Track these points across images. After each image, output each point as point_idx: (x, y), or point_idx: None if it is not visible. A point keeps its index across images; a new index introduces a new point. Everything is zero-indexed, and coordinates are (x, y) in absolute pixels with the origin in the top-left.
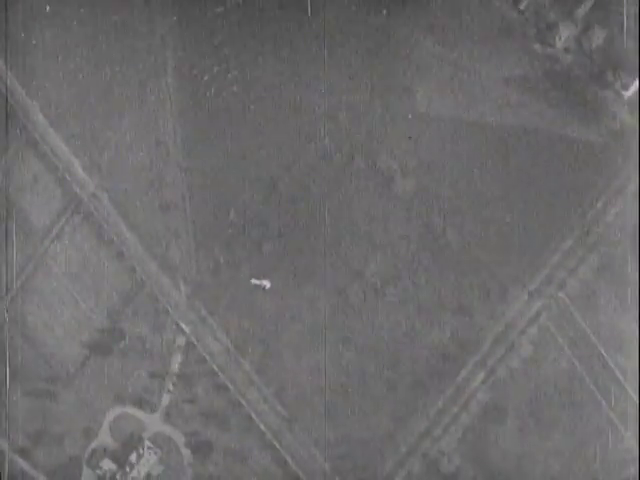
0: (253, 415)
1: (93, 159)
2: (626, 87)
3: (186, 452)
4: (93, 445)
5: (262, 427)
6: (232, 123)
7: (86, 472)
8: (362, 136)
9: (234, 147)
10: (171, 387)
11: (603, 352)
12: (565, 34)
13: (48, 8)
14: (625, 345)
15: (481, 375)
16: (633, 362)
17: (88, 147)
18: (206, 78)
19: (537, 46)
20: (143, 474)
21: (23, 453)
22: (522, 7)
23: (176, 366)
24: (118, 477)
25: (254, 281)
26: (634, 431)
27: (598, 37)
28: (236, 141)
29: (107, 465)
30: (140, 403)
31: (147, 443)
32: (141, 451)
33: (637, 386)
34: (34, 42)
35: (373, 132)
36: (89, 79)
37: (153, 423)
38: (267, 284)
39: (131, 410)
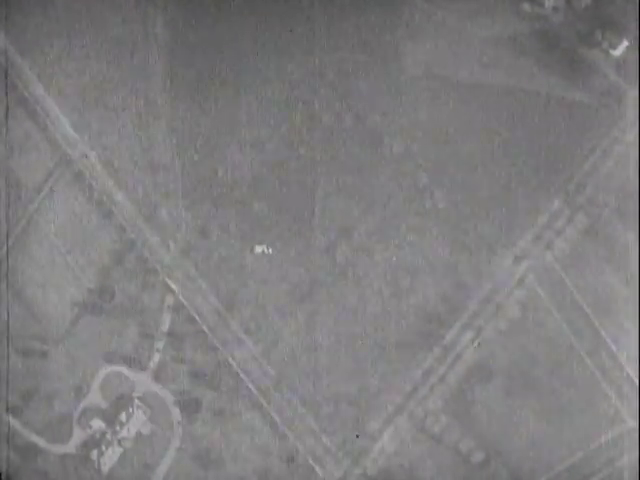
0: (241, 374)
1: (83, 118)
2: (614, 46)
3: (175, 411)
4: (83, 404)
5: (250, 386)
6: (221, 84)
7: (76, 431)
8: (351, 95)
9: (223, 108)
10: (160, 346)
11: (590, 313)
12: None
13: None
14: (612, 306)
15: (468, 336)
16: (619, 322)
17: (78, 106)
18: (197, 39)
19: (526, 5)
20: (133, 433)
21: (14, 411)
22: None
23: (165, 326)
24: (108, 436)
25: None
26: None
27: None
28: (225, 102)
29: (97, 424)
30: (130, 362)
31: (137, 402)
32: (131, 410)
33: (625, 346)
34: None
35: (362, 91)
36: (79, 37)
37: (143, 382)
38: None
39: (121, 369)
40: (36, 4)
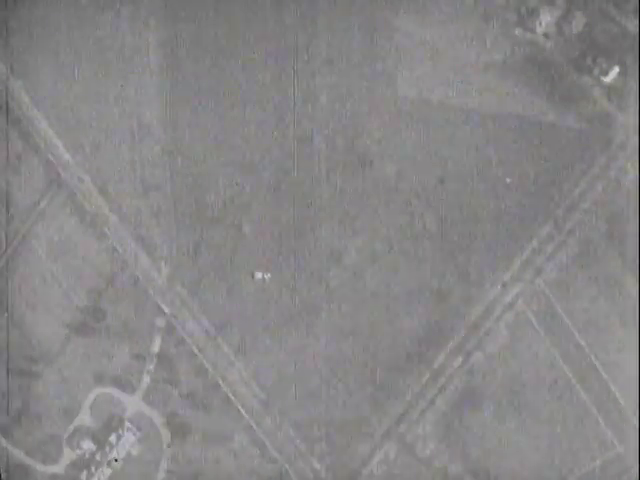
0: (231, 397)
1: (76, 140)
2: (605, 73)
3: (165, 433)
4: (73, 425)
5: (240, 409)
6: (214, 106)
7: (66, 451)
8: (343, 119)
9: (216, 130)
10: (151, 368)
11: (579, 338)
12: (546, 19)
13: None
14: (602, 332)
15: (458, 360)
16: (609, 348)
17: (71, 128)
18: (189, 63)
19: (518, 31)
20: (122, 454)
21: (4, 431)
22: None
23: (156, 347)
24: (98, 457)
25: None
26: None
27: (578, 23)
28: (218, 124)
29: (87, 445)
30: (120, 383)
31: (127, 424)
32: (121, 431)
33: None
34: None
35: (354, 115)
36: (73, 59)
37: (133, 404)
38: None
39: (111, 390)
40: (34, 26)
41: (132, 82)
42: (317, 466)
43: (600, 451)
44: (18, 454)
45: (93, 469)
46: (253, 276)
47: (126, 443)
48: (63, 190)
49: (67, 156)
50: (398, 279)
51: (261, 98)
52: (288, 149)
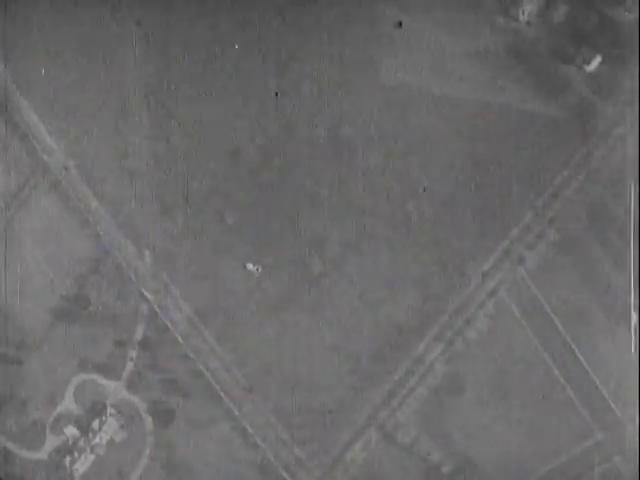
0: (214, 384)
1: (60, 126)
2: (587, 62)
3: (148, 419)
4: (57, 411)
5: (223, 396)
6: (197, 93)
7: (50, 437)
8: (325, 107)
9: (199, 118)
10: (134, 355)
11: (560, 326)
12: (528, 8)
13: None
14: (583, 320)
15: (439, 347)
16: (589, 335)
17: (55, 114)
18: (172, 52)
19: (500, 19)
20: (105, 440)
21: None
22: None
23: (139, 334)
24: (81, 443)
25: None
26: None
27: (560, 12)
28: (201, 113)
29: (70, 431)
30: (104, 370)
31: (110, 410)
32: (104, 418)
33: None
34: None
35: (336, 103)
36: (57, 44)
37: (116, 390)
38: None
39: (95, 377)
40: (20, 14)
41: (116, 70)
42: (299, 453)
43: (581, 438)
44: (1, 440)
45: (76, 455)
46: (245, 267)
47: (109, 429)
48: (47, 176)
49: (51, 142)
50: (380, 267)
51: (244, 87)
52: (271, 138)
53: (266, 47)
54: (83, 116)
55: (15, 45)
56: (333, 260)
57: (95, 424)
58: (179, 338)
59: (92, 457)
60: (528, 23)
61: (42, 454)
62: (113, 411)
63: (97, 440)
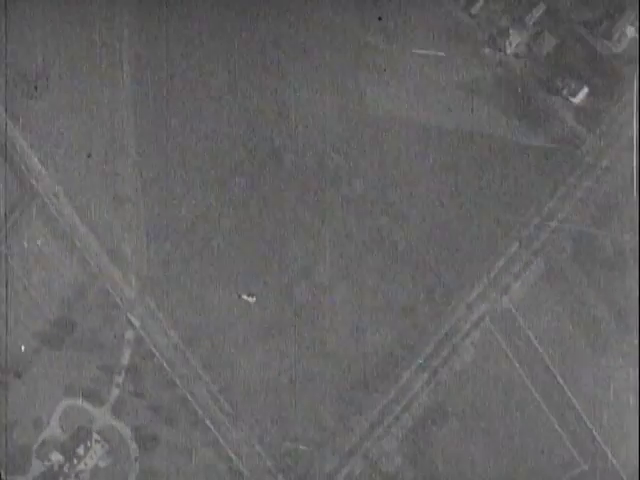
0: (199, 411)
1: (49, 152)
2: (574, 94)
3: (133, 445)
4: (42, 436)
5: (208, 423)
6: (186, 121)
7: (35, 463)
8: (313, 135)
9: (187, 145)
10: (120, 381)
11: (545, 357)
12: (516, 40)
13: None
14: (567, 350)
15: (424, 377)
16: (574, 366)
17: (44, 140)
18: (162, 77)
19: (488, 51)
20: (90, 466)
21: None
22: (474, 12)
23: (125, 360)
24: (66, 469)
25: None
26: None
27: (548, 44)
28: (189, 139)
29: (55, 457)
30: (89, 396)
31: (95, 436)
32: (89, 444)
33: (580, 391)
34: None
35: (323, 132)
36: (48, 72)
37: (102, 416)
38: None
39: (80, 402)
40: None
41: (105, 96)
42: None
43: (565, 469)
44: None
45: None
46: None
47: (94, 455)
48: (36, 201)
49: (40, 168)
50: (366, 296)
51: (232, 114)
52: (258, 165)
53: (256, 76)
54: (71, 143)
55: (8, 67)
56: (320, 288)
57: (80, 450)
58: (165, 364)
59: None
60: (515, 55)
61: (28, 479)
62: (98, 437)
63: (82, 466)
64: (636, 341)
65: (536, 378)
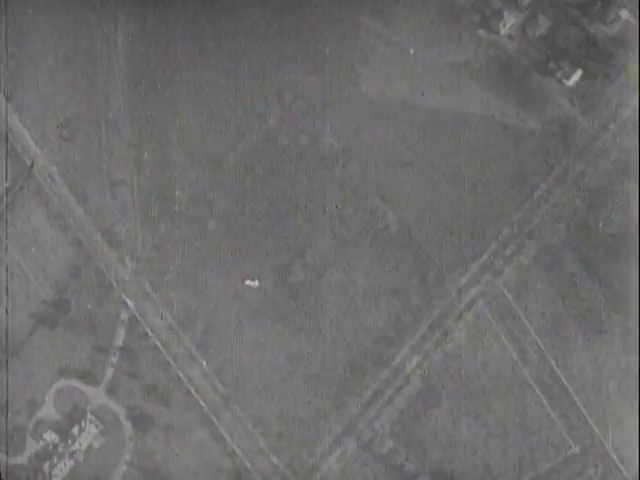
0: (193, 391)
1: (45, 133)
2: (568, 76)
3: (127, 425)
4: (37, 416)
5: (201, 403)
6: (180, 103)
7: (30, 442)
8: (307, 116)
9: (182, 126)
10: (114, 361)
11: (537, 339)
12: (510, 22)
13: None
14: (559, 332)
15: (416, 359)
16: (565, 348)
17: (40, 120)
18: (156, 59)
19: (482, 32)
20: (85, 446)
21: None
22: None
23: (120, 340)
24: (60, 449)
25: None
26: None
27: (542, 26)
28: (184, 121)
29: (50, 437)
30: (84, 376)
31: (90, 416)
32: (83, 424)
33: (572, 373)
34: None
35: (318, 113)
36: (42, 51)
37: (96, 396)
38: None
39: (75, 383)
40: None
41: (100, 77)
42: (276, 461)
43: (556, 451)
44: None
45: (55, 460)
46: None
47: (88, 435)
48: (31, 183)
49: (36, 149)
50: (360, 278)
51: (227, 96)
52: (253, 146)
53: (250, 56)
54: (67, 123)
55: (1, 54)
56: (313, 270)
57: (75, 430)
58: (159, 345)
59: (71, 463)
60: (509, 36)
61: (22, 459)
62: (92, 417)
63: (76, 446)
64: (632, 325)
65: (528, 360)
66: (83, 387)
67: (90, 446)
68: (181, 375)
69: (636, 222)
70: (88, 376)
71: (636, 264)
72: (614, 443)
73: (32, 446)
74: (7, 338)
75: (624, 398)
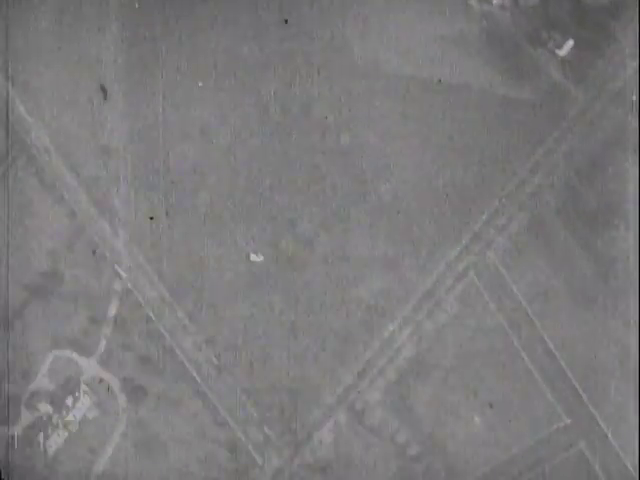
0: (186, 362)
1: (38, 102)
2: (559, 46)
3: (121, 397)
4: (31, 387)
5: (194, 374)
6: (173, 71)
7: (24, 413)
8: (298, 87)
9: (174, 96)
10: (108, 332)
11: (528, 309)
12: None
13: None
14: (550, 303)
15: (408, 330)
16: (556, 318)
17: (32, 89)
18: (149, 27)
19: (473, 2)
20: (79, 417)
21: None
22: None
23: (113, 312)
24: (54, 420)
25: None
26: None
27: None
28: (176, 90)
29: (44, 408)
30: (78, 347)
31: (83, 387)
32: (77, 394)
33: (564, 346)
34: None
35: (308, 83)
36: (34, 23)
37: (90, 367)
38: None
39: (69, 353)
40: None
41: (92, 45)
42: (268, 432)
43: (547, 423)
44: None
45: (50, 431)
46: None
47: (82, 406)
48: (24, 153)
49: (28, 118)
50: (351, 249)
51: (217, 64)
52: (244, 116)
53: (240, 24)
54: (60, 93)
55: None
56: (305, 240)
57: (69, 401)
58: (152, 315)
59: (65, 434)
60: (501, 7)
61: (16, 430)
62: (86, 388)
63: (70, 417)
64: (630, 301)
65: (519, 332)
66: (77, 358)
67: (84, 417)
68: (174, 346)
69: (630, 193)
70: (82, 347)
71: (636, 238)
72: (605, 415)
73: (27, 417)
74: (8, 309)
75: (617, 368)
